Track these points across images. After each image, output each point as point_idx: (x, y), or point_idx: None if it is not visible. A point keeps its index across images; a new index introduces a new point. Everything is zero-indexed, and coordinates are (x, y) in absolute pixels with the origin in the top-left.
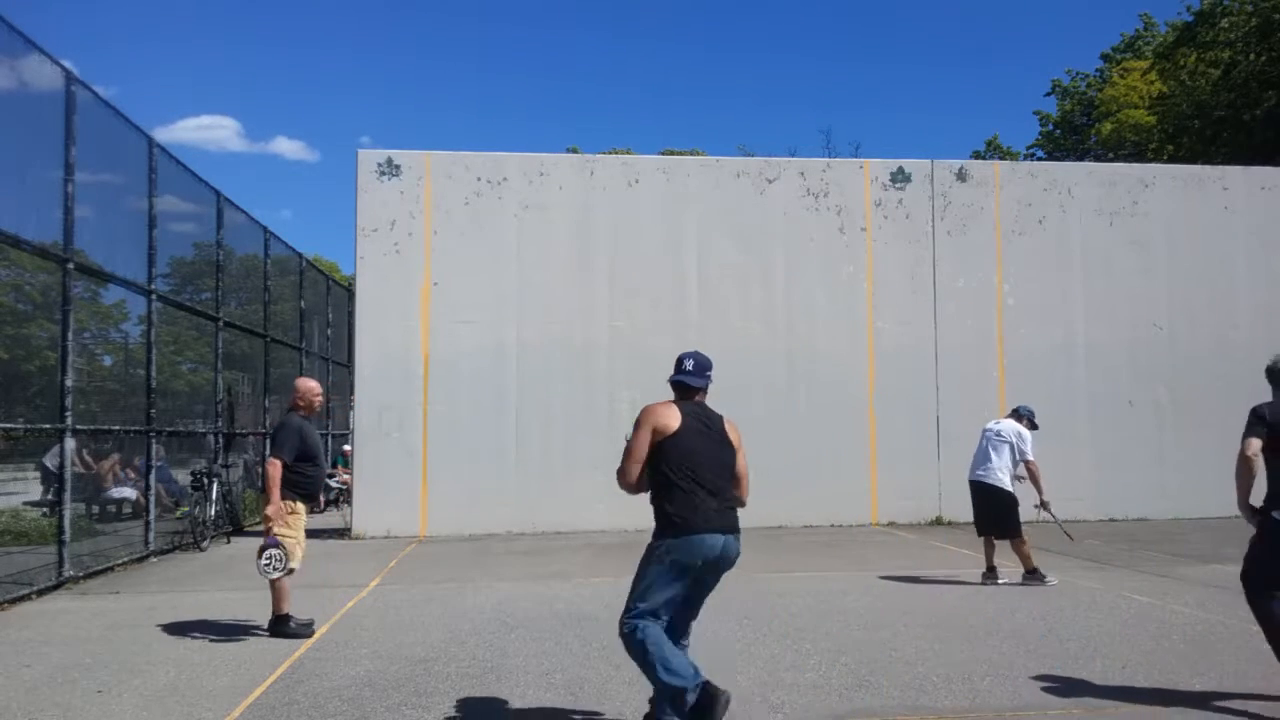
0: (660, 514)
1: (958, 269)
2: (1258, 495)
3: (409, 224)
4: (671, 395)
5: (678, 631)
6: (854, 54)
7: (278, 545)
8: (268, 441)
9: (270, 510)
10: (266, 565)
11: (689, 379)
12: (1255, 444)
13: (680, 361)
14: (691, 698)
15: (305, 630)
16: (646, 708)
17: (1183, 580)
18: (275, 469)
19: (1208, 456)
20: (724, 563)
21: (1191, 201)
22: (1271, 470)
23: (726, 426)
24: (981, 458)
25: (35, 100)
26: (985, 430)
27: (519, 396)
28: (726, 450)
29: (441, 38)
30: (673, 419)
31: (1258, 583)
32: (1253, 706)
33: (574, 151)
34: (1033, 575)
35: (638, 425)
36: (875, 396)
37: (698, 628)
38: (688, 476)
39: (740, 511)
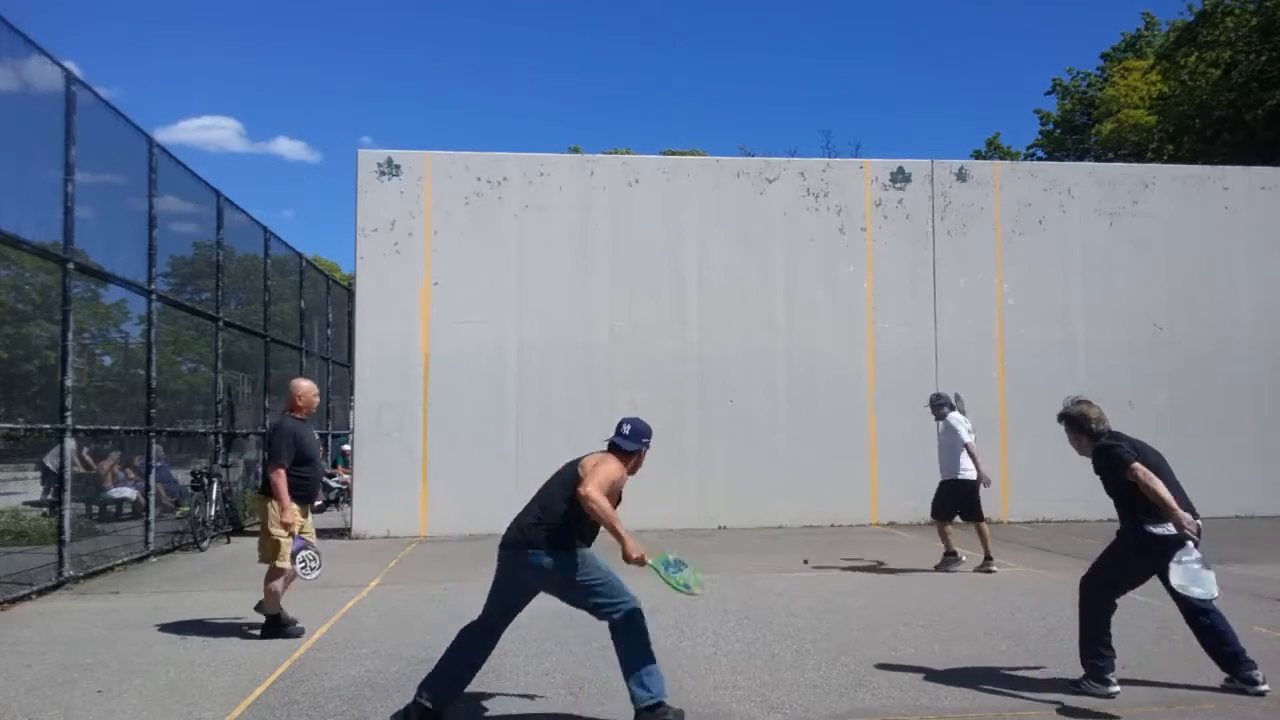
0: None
1: (958, 269)
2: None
3: (409, 224)
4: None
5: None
6: (854, 54)
7: (307, 545)
8: (265, 446)
9: (286, 517)
10: (303, 568)
11: (623, 443)
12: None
13: (619, 426)
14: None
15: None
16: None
17: None
18: (280, 477)
19: (1208, 456)
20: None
21: (1191, 201)
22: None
23: (585, 459)
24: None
25: (36, 101)
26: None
27: (519, 396)
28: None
29: (442, 38)
30: None
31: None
32: (1253, 707)
33: (576, 151)
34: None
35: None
36: (875, 396)
37: (697, 626)
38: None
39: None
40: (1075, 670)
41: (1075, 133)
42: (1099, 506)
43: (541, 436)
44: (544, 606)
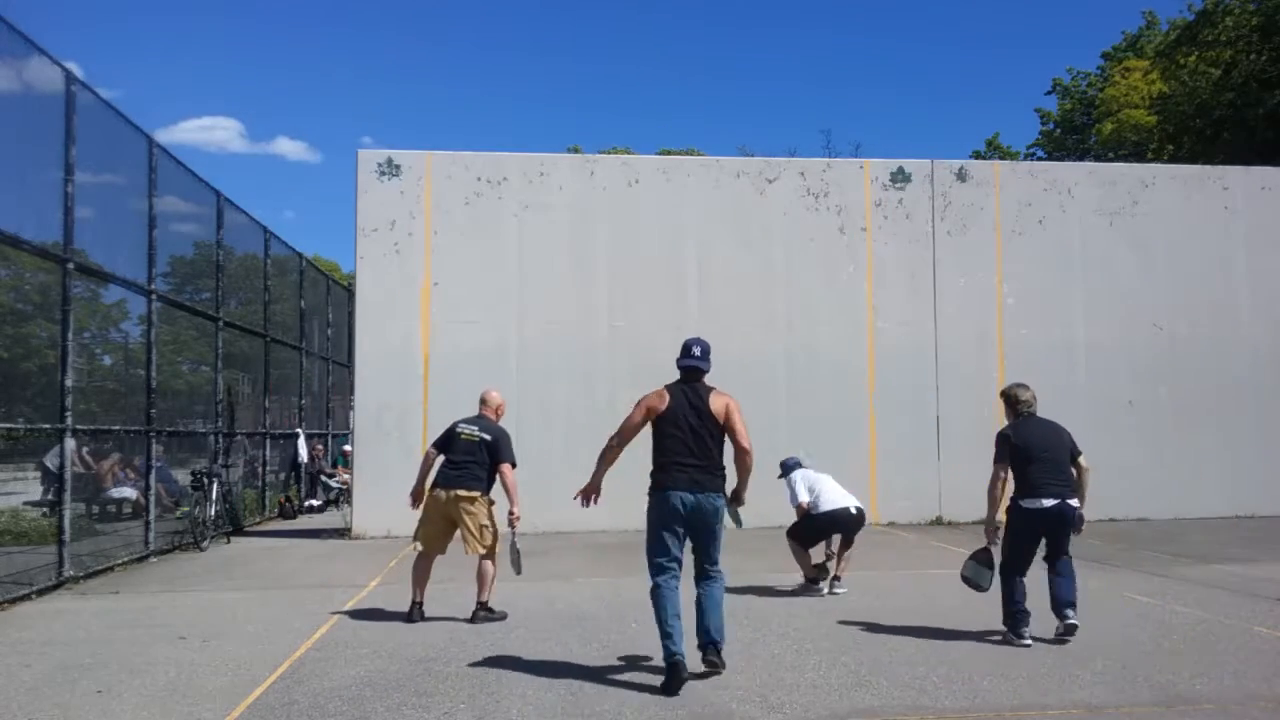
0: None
1: (958, 269)
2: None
3: (409, 224)
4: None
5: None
6: (854, 54)
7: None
8: (487, 448)
9: (518, 511)
10: (514, 560)
11: (703, 364)
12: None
13: (689, 347)
14: (671, 661)
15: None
16: (647, 707)
17: (1183, 580)
18: (512, 473)
19: (1208, 456)
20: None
21: (1191, 201)
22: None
23: (713, 399)
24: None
25: (36, 101)
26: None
27: (519, 396)
28: (706, 422)
29: (442, 38)
30: (663, 401)
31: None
32: (1253, 707)
33: (576, 151)
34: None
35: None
36: (875, 396)
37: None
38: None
39: (741, 512)
40: (1076, 669)
41: (1075, 133)
42: (1095, 506)
43: (541, 436)
44: (545, 607)
